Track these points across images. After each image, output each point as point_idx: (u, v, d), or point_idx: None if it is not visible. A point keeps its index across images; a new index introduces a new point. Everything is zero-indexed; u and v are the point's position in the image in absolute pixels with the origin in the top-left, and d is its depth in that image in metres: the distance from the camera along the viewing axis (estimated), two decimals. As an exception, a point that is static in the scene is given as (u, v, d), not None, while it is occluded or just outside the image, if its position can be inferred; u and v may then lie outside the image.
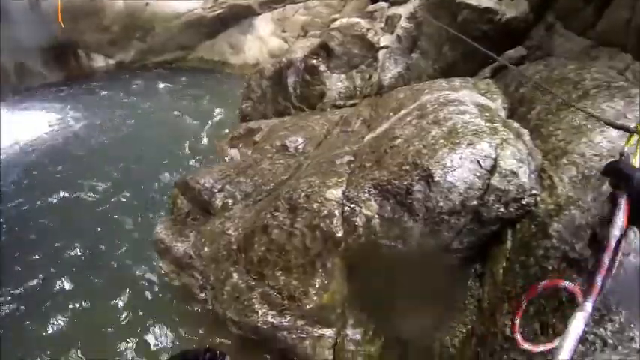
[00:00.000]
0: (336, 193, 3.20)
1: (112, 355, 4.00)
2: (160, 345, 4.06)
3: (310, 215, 3.23)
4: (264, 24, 12.25)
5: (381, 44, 6.09)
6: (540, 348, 2.41)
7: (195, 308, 4.21)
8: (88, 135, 8.69)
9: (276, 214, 3.44)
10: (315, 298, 3.33)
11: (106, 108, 9.95)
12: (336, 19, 10.83)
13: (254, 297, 3.53)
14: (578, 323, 2.18)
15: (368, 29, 6.27)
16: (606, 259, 2.27)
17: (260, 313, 3.45)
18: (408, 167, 2.97)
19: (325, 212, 3.16)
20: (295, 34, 11.58)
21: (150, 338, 4.14)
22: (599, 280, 2.30)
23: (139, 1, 11.96)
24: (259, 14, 12.32)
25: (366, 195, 3.07)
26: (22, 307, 4.65)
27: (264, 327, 3.43)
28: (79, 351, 4.08)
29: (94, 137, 8.54)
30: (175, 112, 9.35)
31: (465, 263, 3.14)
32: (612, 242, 2.24)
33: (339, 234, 3.13)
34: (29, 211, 6.15)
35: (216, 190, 4.20)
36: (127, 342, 4.12)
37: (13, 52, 11.42)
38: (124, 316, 4.41)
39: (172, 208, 4.76)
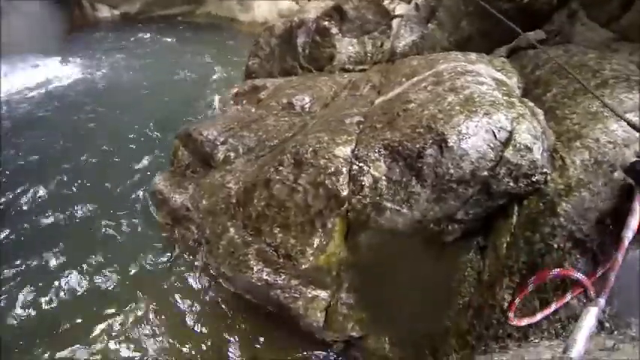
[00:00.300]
0: (345, 151, 3.12)
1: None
2: (145, 297, 3.99)
3: (316, 171, 3.15)
4: (277, -18, 11.96)
5: (396, 12, 5.94)
6: (524, 322, 2.42)
7: (190, 262, 4.16)
8: (89, 83, 8.60)
9: (280, 168, 3.35)
10: (311, 258, 3.27)
11: (108, 58, 9.80)
12: (350, -16, 10.68)
13: (250, 253, 3.47)
14: (590, 318, 2.17)
15: (385, -4, 6.14)
16: (620, 257, 2.27)
17: (255, 270, 3.39)
18: (421, 130, 2.89)
19: (332, 169, 3.08)
20: (307, -4, 11.34)
21: (135, 287, 4.09)
22: (612, 277, 2.30)
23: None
24: (272, -28, 12.04)
25: (376, 155, 3.00)
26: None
27: (258, 284, 3.38)
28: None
29: (95, 86, 8.45)
30: (179, 66, 9.19)
31: (468, 235, 3.10)
32: (626, 243, 2.25)
33: (344, 193, 3.06)
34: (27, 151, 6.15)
35: (218, 143, 4.09)
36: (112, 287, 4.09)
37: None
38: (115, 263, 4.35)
39: (172, 159, 4.66)
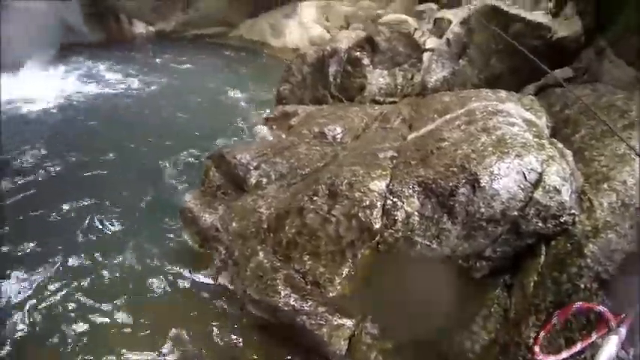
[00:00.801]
0: (380, 185, 3.22)
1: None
2: (167, 312, 4.03)
3: (350, 203, 3.25)
4: (307, 10, 12.21)
5: (427, 46, 6.06)
6: (551, 358, 2.46)
7: (214, 281, 4.22)
8: (121, 95, 8.87)
9: (315, 198, 3.45)
10: (339, 287, 3.35)
11: (142, 73, 10.10)
12: (380, 15, 10.83)
13: (278, 278, 3.54)
14: (611, 346, 2.23)
15: (415, 29, 6.26)
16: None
17: (282, 295, 3.45)
18: (455, 169, 2.99)
19: (367, 202, 3.18)
20: (338, 25, 11.54)
21: (158, 303, 4.13)
22: (636, 309, 2.34)
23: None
24: (304, 0, 12.33)
25: (410, 191, 3.10)
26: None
27: (285, 309, 3.44)
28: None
29: (126, 99, 8.68)
30: (210, 86, 9.44)
31: (496, 272, 3.16)
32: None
33: (377, 226, 3.15)
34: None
35: (251, 167, 4.21)
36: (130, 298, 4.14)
37: (60, 8, 11.62)
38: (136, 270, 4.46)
39: (204, 179, 4.78)
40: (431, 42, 6.09)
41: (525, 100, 4.36)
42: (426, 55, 6.00)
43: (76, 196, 5.47)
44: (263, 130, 5.34)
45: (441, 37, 6.03)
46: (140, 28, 12.76)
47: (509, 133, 3.22)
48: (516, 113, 3.73)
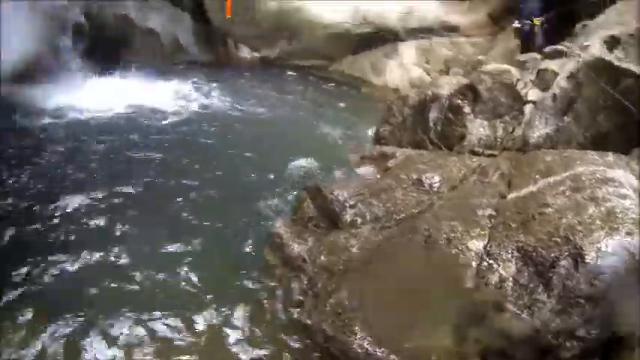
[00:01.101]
0: (477, 245, 3.21)
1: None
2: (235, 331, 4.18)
3: (445, 258, 3.27)
4: (407, 51, 12.32)
5: (529, 98, 5.93)
6: None
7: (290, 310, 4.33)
8: (217, 117, 9.37)
9: (409, 246, 3.51)
10: (418, 339, 3.34)
11: (243, 97, 10.63)
12: (481, 61, 10.75)
13: (357, 318, 3.58)
14: None
15: (518, 79, 6.14)
16: None
17: (358, 336, 3.48)
18: (558, 239, 2.93)
19: (462, 260, 3.18)
20: (437, 68, 11.58)
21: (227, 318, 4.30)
22: None
23: (291, 5, 12.58)
24: (404, 41, 12.46)
25: (508, 255, 3.06)
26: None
27: (358, 350, 3.46)
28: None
29: (228, 118, 9.26)
30: (307, 117, 9.75)
31: (587, 354, 3.02)
32: None
33: (468, 285, 3.14)
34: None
35: (347, 205, 4.32)
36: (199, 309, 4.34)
37: (172, 27, 12.66)
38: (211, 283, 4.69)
39: (297, 209, 4.97)
40: (533, 94, 5.93)
41: (634, 165, 4.15)
42: (527, 108, 5.85)
43: (161, 209, 5.90)
44: (359, 168, 5.46)
45: (544, 89, 5.89)
46: (245, 53, 13.47)
47: (619, 206, 3.10)
48: (627, 183, 3.57)
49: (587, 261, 2.78)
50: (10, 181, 6.38)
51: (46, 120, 8.51)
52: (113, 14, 11.83)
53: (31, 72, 9.66)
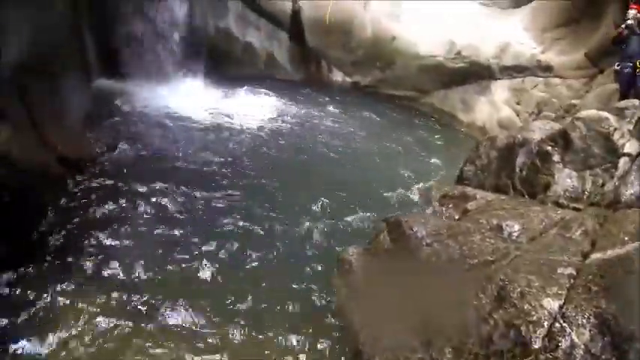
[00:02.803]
0: (553, 304, 3.15)
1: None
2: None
3: (516, 313, 3.23)
4: (500, 90, 12.14)
5: (625, 150, 5.64)
6: None
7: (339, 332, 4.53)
8: (301, 136, 9.76)
9: (480, 294, 3.51)
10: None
11: (331, 120, 11.07)
12: (575, 105, 10.36)
13: (411, 358, 3.63)
14: None
15: (615, 129, 5.85)
16: None
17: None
18: (642, 312, 2.83)
19: (534, 317, 3.14)
20: (529, 110, 11.26)
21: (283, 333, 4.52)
22: None
23: (387, 34, 12.82)
24: (498, 79, 12.27)
25: (583, 320, 2.99)
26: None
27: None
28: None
29: (312, 138, 9.61)
30: (393, 148, 9.93)
31: None
32: None
33: (536, 345, 3.06)
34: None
35: (424, 243, 4.36)
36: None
37: (269, 43, 13.24)
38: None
39: (373, 239, 5.08)
40: (631, 146, 5.62)
41: None
42: (622, 161, 5.56)
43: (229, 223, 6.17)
44: (440, 207, 5.47)
45: (645, 140, 5.61)
46: (338, 76, 13.94)
47: None
48: None
49: (670, 340, 2.67)
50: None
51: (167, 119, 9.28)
52: (215, 27, 12.75)
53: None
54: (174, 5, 11.34)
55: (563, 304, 3.17)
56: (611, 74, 9.38)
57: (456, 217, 5.19)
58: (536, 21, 11.99)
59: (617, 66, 8.58)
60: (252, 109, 10.70)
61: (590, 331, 2.96)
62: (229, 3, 12.79)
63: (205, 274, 5.22)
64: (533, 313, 3.17)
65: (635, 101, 6.26)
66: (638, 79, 8.20)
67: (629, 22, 8.17)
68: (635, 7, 8.30)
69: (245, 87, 11.72)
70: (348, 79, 13.92)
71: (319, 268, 5.48)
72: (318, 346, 4.43)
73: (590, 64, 10.89)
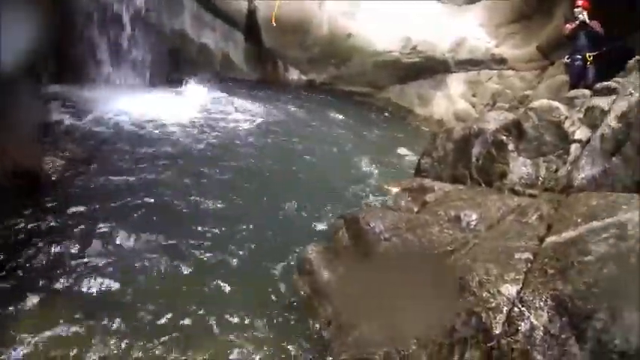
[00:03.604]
0: (511, 290, 3.13)
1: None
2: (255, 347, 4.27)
3: (476, 301, 3.20)
4: (455, 83, 12.37)
5: (576, 137, 5.76)
6: None
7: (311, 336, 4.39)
8: (265, 134, 9.66)
9: (441, 285, 3.47)
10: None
11: (291, 117, 11.01)
12: (528, 95, 10.63)
13: (377, 353, 3.56)
14: None
15: (566, 117, 5.99)
16: None
17: (377, 372, 3.46)
18: (597, 291, 2.82)
19: (493, 304, 3.11)
20: (484, 101, 11.52)
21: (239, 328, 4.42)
22: None
23: (343, 32, 12.85)
24: (453, 72, 12.48)
25: (541, 303, 2.97)
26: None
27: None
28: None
29: (269, 139, 9.47)
30: (349, 142, 9.89)
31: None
32: None
33: (496, 331, 3.04)
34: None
35: (382, 238, 4.31)
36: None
37: (225, 44, 13.13)
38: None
39: (332, 237, 5.00)
40: (580, 133, 5.73)
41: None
42: (573, 147, 5.68)
43: (187, 225, 5.99)
44: (398, 200, 5.44)
45: (592, 128, 5.73)
46: (294, 75, 13.94)
47: (665, 259, 2.98)
48: (675, 234, 3.43)
49: (626, 316, 2.67)
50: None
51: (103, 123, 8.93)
52: (171, 28, 12.60)
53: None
54: (129, 7, 11.10)
55: (521, 288, 3.16)
56: (561, 66, 9.71)
57: (415, 210, 5.17)
58: (491, 17, 12.30)
59: (568, 59, 8.93)
60: (205, 110, 10.58)
61: (548, 312, 2.94)
62: (185, 3, 12.66)
63: (164, 279, 5.06)
64: (492, 300, 3.15)
65: (585, 91, 6.40)
66: (587, 70, 8.48)
67: (580, 17, 8.46)
68: (583, 4, 8.58)
69: (199, 88, 11.56)
70: (304, 77, 13.93)
71: (281, 269, 5.35)
72: (284, 346, 4.30)
73: (542, 56, 11.28)
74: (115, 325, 4.30)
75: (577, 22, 8.64)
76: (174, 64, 12.48)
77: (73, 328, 4.21)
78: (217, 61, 13.53)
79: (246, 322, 4.56)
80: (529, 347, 2.93)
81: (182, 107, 10.37)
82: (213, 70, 13.27)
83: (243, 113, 10.75)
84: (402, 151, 9.64)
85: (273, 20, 12.51)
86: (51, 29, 8.88)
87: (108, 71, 10.84)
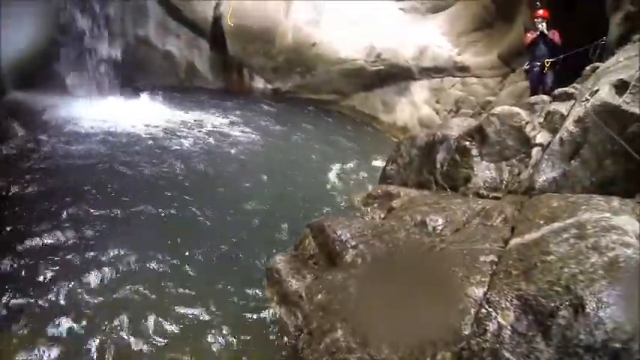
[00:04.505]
0: (477, 292, 3.18)
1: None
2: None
3: (445, 305, 3.23)
4: (419, 90, 12.51)
5: (537, 141, 5.91)
6: None
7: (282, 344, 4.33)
8: (229, 144, 9.59)
9: (409, 290, 3.48)
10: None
11: (256, 127, 10.93)
12: (490, 102, 10.84)
13: (350, 359, 3.55)
14: None
15: (527, 122, 6.13)
16: None
17: (351, 379, 3.44)
18: (559, 289, 2.87)
19: (460, 307, 3.14)
20: (448, 108, 11.69)
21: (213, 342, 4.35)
22: None
23: (308, 40, 12.89)
24: (417, 79, 12.64)
25: (507, 303, 3.02)
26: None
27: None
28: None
29: (233, 148, 9.39)
30: (314, 152, 9.87)
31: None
32: None
33: (465, 332, 3.08)
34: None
35: (349, 246, 4.31)
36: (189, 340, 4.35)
37: (189, 52, 13.00)
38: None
39: (298, 245, 4.96)
40: (541, 137, 5.90)
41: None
42: (534, 151, 5.84)
43: (155, 237, 5.86)
44: (364, 207, 5.46)
45: (552, 132, 5.88)
46: (259, 83, 13.90)
47: (622, 255, 3.04)
48: (632, 231, 3.50)
49: (588, 311, 2.72)
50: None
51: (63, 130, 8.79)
52: (135, 36, 12.43)
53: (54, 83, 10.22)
54: (92, 14, 10.96)
55: (487, 290, 3.20)
56: (522, 73, 9.96)
57: (382, 216, 5.19)
58: (453, 25, 12.56)
59: (527, 66, 9.18)
60: (168, 119, 10.49)
61: (514, 312, 2.99)
62: (150, 11, 12.52)
63: (130, 292, 4.92)
64: (460, 303, 3.17)
65: (544, 97, 6.59)
66: (545, 76, 8.77)
67: (539, 27, 8.75)
68: (542, 14, 8.87)
69: (162, 97, 11.50)
70: (269, 86, 13.89)
71: (249, 278, 5.28)
72: (256, 356, 4.28)
73: (503, 64, 11.51)
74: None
75: (537, 33, 8.92)
76: (137, 72, 12.29)
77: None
78: (182, 70, 13.42)
79: (215, 332, 4.49)
80: (498, 346, 2.97)
81: (139, 115, 10.24)
82: (177, 79, 13.19)
83: (204, 122, 10.67)
84: (366, 158, 9.70)
85: (229, 21, 12.49)
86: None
87: (65, 78, 10.64)
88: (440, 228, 4.41)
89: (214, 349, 4.32)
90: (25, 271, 5.03)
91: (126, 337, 4.31)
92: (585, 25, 8.37)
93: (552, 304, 2.85)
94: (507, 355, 2.95)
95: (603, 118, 5.09)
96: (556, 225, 3.71)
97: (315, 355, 3.76)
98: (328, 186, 7.88)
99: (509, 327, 2.97)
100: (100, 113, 9.80)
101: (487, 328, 3.02)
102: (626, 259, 3.03)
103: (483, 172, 5.71)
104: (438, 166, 5.90)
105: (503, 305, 3.03)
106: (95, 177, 7.10)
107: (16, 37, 9.09)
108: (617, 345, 2.70)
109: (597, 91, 5.37)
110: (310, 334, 4.01)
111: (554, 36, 8.81)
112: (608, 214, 3.72)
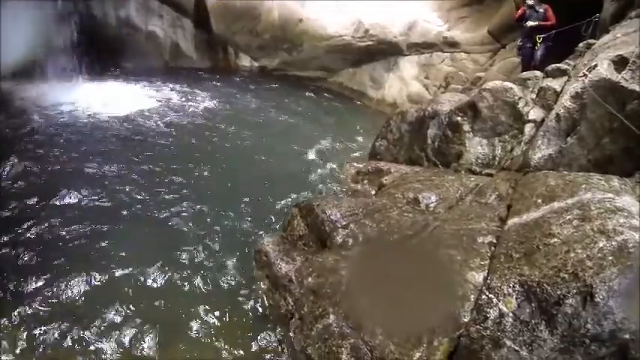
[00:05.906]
0: (477, 277, 2.98)
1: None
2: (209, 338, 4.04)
3: (442, 289, 3.03)
4: (408, 66, 12.30)
5: (530, 117, 5.74)
6: None
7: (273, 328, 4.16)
8: (217, 123, 9.23)
9: (404, 273, 3.28)
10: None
11: (243, 105, 10.63)
12: (480, 77, 10.63)
13: (344, 346, 3.34)
14: None
15: (519, 98, 5.95)
16: None
17: (344, 365, 3.25)
18: (565, 276, 2.68)
19: (460, 293, 2.95)
20: (437, 83, 11.48)
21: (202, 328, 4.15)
22: None
23: (294, 17, 12.52)
24: (406, 55, 12.40)
25: (509, 289, 2.82)
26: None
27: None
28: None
29: (222, 127, 9.05)
30: (301, 128, 9.61)
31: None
32: None
33: (465, 319, 2.89)
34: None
35: (340, 226, 4.09)
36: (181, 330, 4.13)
37: (173, 32, 12.53)
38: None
39: (287, 226, 4.73)
40: (534, 113, 5.74)
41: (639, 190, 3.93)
42: (528, 127, 5.67)
43: (145, 220, 5.59)
44: (354, 184, 5.24)
45: (545, 108, 5.70)
46: (245, 62, 13.58)
47: (632, 240, 2.85)
48: (637, 212, 3.34)
49: (597, 300, 2.54)
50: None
51: (43, 118, 8.27)
52: (116, 17, 11.90)
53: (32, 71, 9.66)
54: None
55: (487, 275, 3.00)
56: (513, 49, 9.83)
57: (373, 193, 4.97)
58: (443, 1, 12.28)
59: (520, 42, 9.04)
60: (151, 100, 10.03)
61: (516, 299, 2.81)
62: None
63: (123, 279, 4.66)
64: (458, 288, 2.98)
65: (537, 72, 6.40)
66: (536, 52, 8.63)
67: (529, 1, 8.59)
68: None
69: (145, 79, 11.05)
70: (256, 64, 13.57)
71: (238, 261, 5.02)
72: (247, 342, 4.06)
73: (493, 40, 11.31)
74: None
75: (525, 6, 8.78)
76: (120, 55, 11.78)
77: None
78: (166, 50, 12.91)
79: (203, 319, 4.25)
80: (499, 334, 2.80)
81: (123, 98, 9.77)
82: (162, 60, 12.73)
83: (191, 102, 10.28)
84: (355, 134, 9.48)
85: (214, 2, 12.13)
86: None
87: (45, 64, 10.00)
88: (433, 205, 4.21)
89: (202, 336, 4.09)
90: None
91: (113, 321, 4.10)
92: (578, 2, 8.20)
93: (559, 292, 2.66)
94: (509, 343, 2.78)
95: (602, 95, 4.90)
96: (556, 205, 3.52)
97: (308, 341, 3.57)
98: (316, 164, 7.60)
99: (510, 314, 2.79)
100: (77, 99, 9.28)
101: (488, 315, 2.84)
102: (636, 244, 2.85)
103: (475, 148, 5.52)
104: (429, 142, 5.68)
105: (505, 291, 2.84)
106: (75, 162, 6.72)
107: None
108: (626, 336, 2.54)
109: (595, 66, 5.17)
110: (301, 319, 3.82)
111: (547, 12, 8.64)
112: (610, 195, 3.54)
